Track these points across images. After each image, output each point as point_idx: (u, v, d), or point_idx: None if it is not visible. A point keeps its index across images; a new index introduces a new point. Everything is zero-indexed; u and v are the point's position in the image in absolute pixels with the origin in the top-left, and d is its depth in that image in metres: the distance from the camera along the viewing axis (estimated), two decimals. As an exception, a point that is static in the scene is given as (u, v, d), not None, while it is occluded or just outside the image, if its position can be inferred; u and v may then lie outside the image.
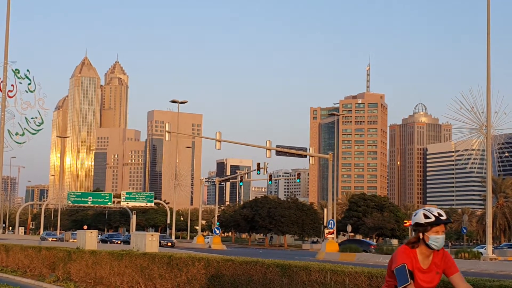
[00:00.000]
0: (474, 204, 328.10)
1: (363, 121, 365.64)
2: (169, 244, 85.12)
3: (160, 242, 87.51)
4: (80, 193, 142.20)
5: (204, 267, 20.35)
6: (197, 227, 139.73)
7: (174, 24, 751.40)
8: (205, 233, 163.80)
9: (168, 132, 64.47)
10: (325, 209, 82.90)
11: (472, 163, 57.67)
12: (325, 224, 76.60)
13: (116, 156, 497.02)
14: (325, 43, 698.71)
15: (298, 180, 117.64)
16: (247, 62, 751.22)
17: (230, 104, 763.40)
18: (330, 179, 69.79)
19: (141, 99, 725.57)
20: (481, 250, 58.11)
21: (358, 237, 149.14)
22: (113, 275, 24.77)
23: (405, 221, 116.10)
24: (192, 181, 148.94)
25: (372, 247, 68.35)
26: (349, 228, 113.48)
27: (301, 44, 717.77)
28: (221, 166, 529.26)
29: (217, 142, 60.61)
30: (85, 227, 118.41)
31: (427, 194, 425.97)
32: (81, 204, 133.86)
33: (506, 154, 58.60)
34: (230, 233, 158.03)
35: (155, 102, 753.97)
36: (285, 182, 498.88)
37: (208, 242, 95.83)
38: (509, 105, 52.36)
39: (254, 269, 18.39)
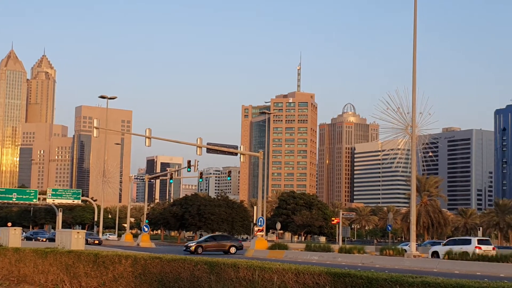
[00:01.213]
0: (399, 202, 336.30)
1: (294, 120, 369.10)
2: (96, 242, 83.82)
3: (87, 240, 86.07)
4: (4, 190, 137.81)
5: (131, 265, 20.13)
6: (125, 225, 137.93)
7: (103, 17, 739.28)
8: (133, 231, 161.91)
9: (96, 128, 63.36)
10: (255, 207, 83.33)
11: (398, 162, 59.05)
12: (254, 221, 77.05)
13: (42, 152, 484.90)
14: (257, 42, 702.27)
15: (228, 178, 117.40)
16: (179, 59, 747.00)
17: (161, 101, 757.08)
18: (260, 177, 70.14)
19: (69, 94, 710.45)
20: (405, 247, 59.60)
21: (287, 235, 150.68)
22: (37, 273, 24.20)
23: (332, 218, 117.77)
24: (121, 178, 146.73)
25: (240, 242, 69.36)
26: (278, 225, 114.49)
27: (233, 43, 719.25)
28: (151, 163, 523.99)
29: (146, 139, 59.95)
30: (9, 224, 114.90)
31: (355, 192, 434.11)
32: (5, 201, 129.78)
33: (430, 154, 60.23)
34: (159, 231, 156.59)
35: (84, 97, 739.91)
36: (215, 180, 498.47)
37: (136, 239, 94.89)
38: (434, 106, 53.81)
39: (182, 266, 18.32)
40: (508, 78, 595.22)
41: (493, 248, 54.74)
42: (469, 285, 12.40)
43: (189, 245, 65.35)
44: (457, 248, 51.55)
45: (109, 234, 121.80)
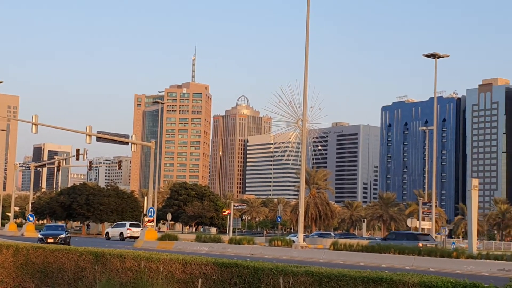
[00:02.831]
0: (289, 194, 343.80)
1: (188, 111, 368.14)
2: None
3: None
4: None
5: (13, 254, 19.46)
6: (9, 214, 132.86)
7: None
8: (18, 220, 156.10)
9: (-21, 112, 60.50)
10: (145, 197, 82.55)
11: (288, 155, 60.16)
12: (145, 212, 76.28)
13: None
14: (151, 31, 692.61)
15: (119, 168, 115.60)
16: (70, 45, 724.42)
17: (50, 88, 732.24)
18: (152, 167, 69.48)
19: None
20: (294, 238, 60.85)
21: (178, 226, 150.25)
22: None
23: (224, 210, 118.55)
24: (6, 166, 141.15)
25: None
26: (169, 216, 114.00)
27: (127, 30, 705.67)
28: (38, 151, 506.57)
29: (33, 125, 57.92)
30: None
31: (247, 184, 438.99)
32: None
33: (319, 148, 61.76)
34: (45, 221, 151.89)
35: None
36: (106, 170, 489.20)
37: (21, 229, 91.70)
38: (324, 100, 55.16)
39: (66, 257, 17.92)
40: (394, 75, 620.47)
41: (141, 229, 69.99)
42: (350, 275, 12.84)
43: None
44: (117, 229, 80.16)
45: None
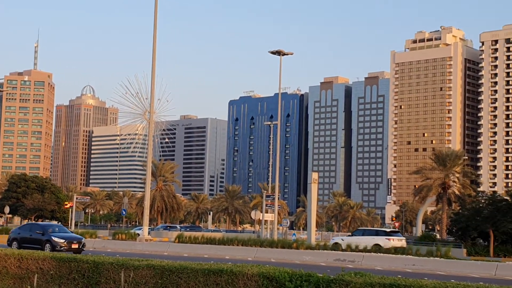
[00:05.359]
0: (136, 187, 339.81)
1: (29, 99, 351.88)
2: None
3: None
4: None
5: None
6: None
7: None
8: None
9: None
10: (-20, 190, 78.09)
11: (135, 147, 59.52)
12: (-21, 205, 72.14)
13: None
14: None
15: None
16: None
17: None
18: (-13, 157, 65.82)
19: None
20: (139, 232, 60.35)
21: (17, 219, 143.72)
22: None
23: (66, 202, 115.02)
24: None
25: None
26: (6, 209, 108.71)
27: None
28: None
29: None
30: None
31: (91, 176, 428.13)
32: None
33: (167, 140, 61.69)
34: None
35: None
36: None
37: None
38: (172, 93, 55.29)
39: None
40: (242, 70, 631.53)
41: None
42: (191, 267, 12.96)
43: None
44: None
45: None
